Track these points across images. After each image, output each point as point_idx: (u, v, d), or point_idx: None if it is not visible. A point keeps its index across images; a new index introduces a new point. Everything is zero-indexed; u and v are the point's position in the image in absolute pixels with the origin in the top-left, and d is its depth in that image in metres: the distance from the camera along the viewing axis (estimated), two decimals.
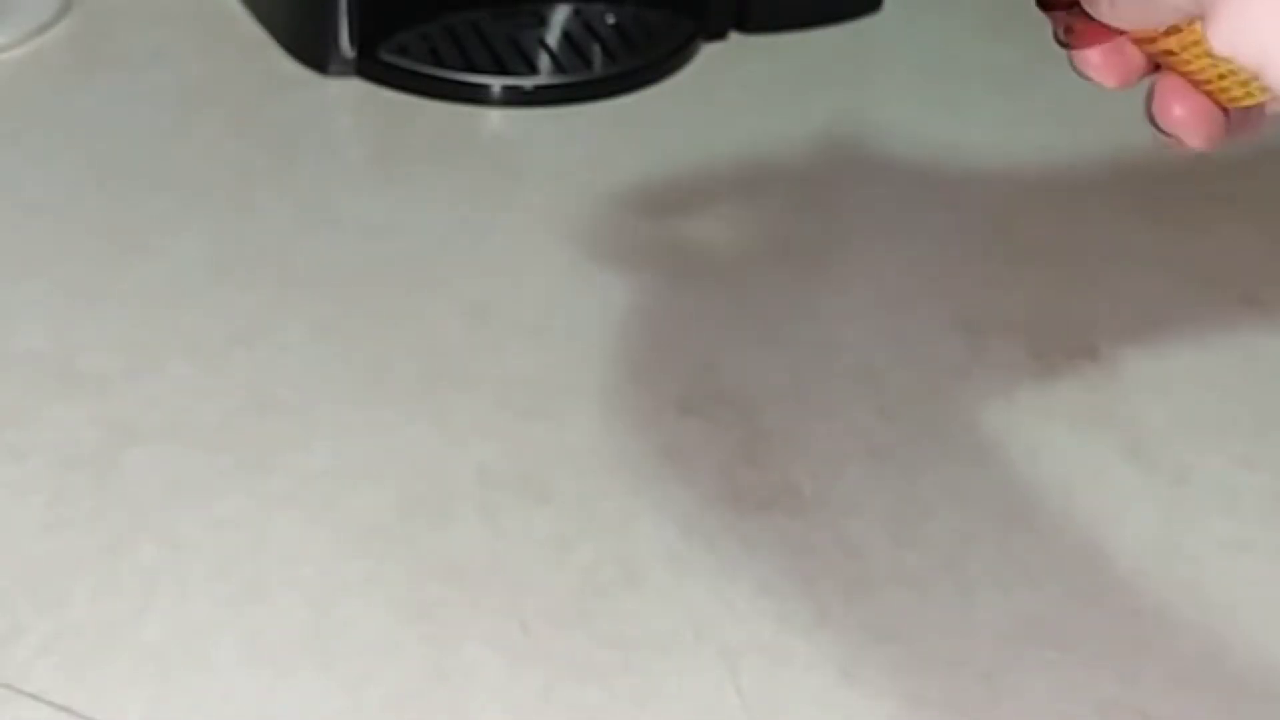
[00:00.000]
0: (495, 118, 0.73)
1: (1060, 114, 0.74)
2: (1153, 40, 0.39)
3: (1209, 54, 0.37)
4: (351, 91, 0.73)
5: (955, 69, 0.79)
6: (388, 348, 0.57)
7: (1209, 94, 0.40)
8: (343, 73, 0.74)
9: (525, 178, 0.69)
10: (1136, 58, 0.40)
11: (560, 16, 0.77)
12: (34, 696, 0.44)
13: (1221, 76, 0.39)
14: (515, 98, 0.73)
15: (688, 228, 0.63)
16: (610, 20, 0.77)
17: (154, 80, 0.73)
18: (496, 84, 0.73)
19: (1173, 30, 0.38)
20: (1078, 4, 0.39)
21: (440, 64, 0.73)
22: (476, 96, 0.73)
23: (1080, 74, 0.41)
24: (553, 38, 0.76)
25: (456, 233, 0.64)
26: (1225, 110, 0.40)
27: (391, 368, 0.57)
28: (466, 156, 0.69)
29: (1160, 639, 0.48)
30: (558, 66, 0.74)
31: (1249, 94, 0.39)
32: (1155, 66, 0.41)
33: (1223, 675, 0.47)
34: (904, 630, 0.48)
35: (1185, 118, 0.41)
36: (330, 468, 0.52)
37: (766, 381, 0.56)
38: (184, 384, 0.55)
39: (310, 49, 0.74)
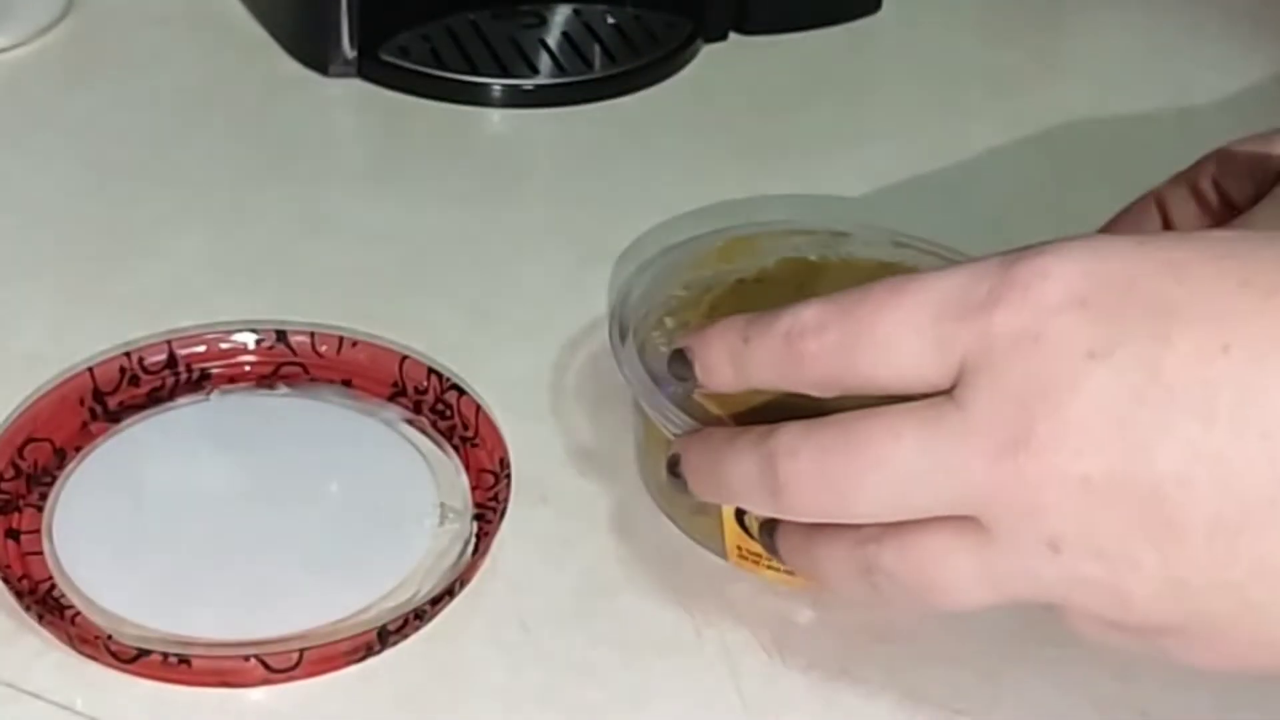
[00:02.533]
0: (495, 118, 0.73)
1: (1060, 114, 0.74)
2: None
3: None
4: (352, 92, 0.73)
5: (955, 69, 0.79)
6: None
7: None
8: (343, 73, 0.74)
9: (525, 178, 0.69)
10: None
11: (560, 17, 0.77)
12: (34, 695, 0.44)
13: None
14: (515, 98, 0.73)
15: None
16: (610, 21, 0.77)
17: (154, 81, 0.73)
18: (496, 84, 0.73)
19: None
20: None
21: (441, 65, 0.73)
22: (476, 97, 0.73)
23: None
24: (553, 38, 0.76)
25: (456, 233, 0.64)
26: None
27: None
28: (466, 156, 0.69)
29: None
30: (558, 67, 0.74)
31: None
32: None
33: (1222, 674, 0.47)
34: (904, 630, 0.48)
35: None
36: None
37: None
38: None
39: (311, 49, 0.74)
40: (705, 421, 0.47)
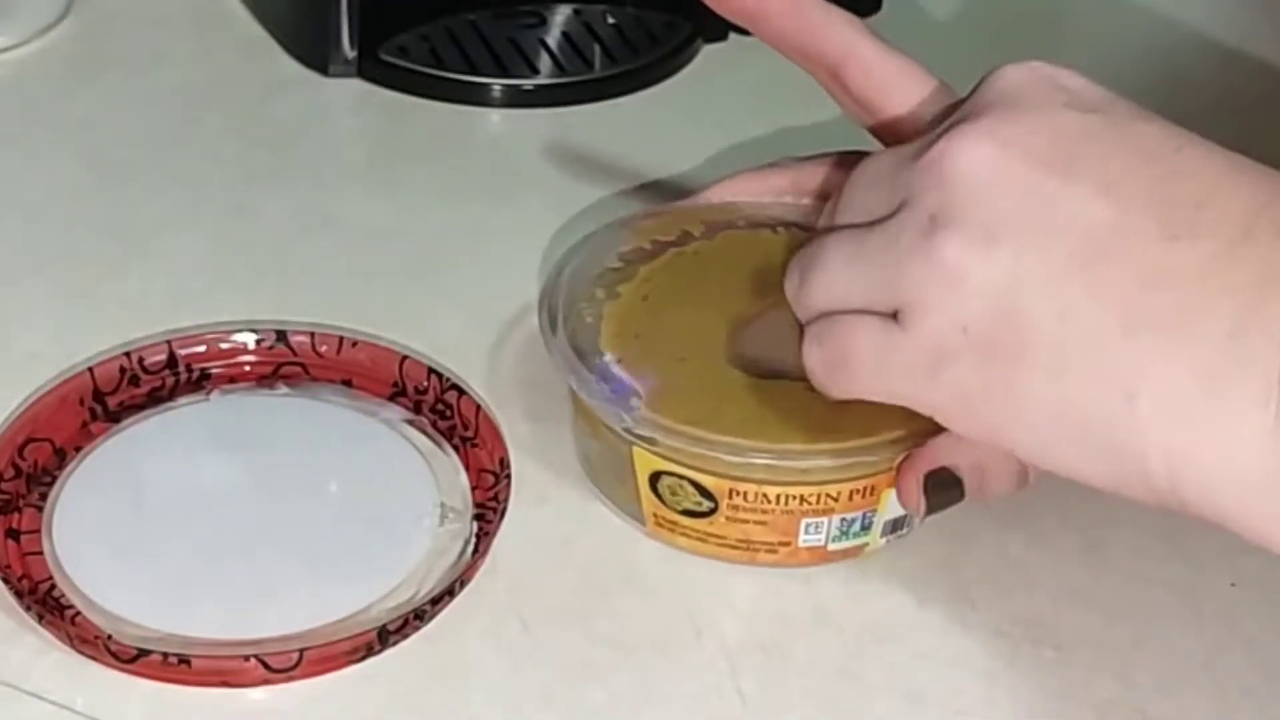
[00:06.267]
0: (495, 118, 0.73)
1: None
2: None
3: None
4: (352, 91, 0.73)
5: (955, 70, 0.79)
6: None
7: None
8: (343, 73, 0.74)
9: (525, 178, 0.69)
10: None
11: (560, 17, 0.77)
12: (34, 695, 0.44)
13: None
14: (515, 98, 0.73)
15: None
16: (610, 21, 0.77)
17: (155, 81, 0.73)
18: (496, 84, 0.73)
19: None
20: None
21: (440, 64, 0.73)
22: (476, 97, 0.73)
23: None
24: (553, 38, 0.76)
25: (457, 233, 0.64)
26: None
27: None
28: (467, 156, 0.70)
29: (1159, 638, 0.48)
30: (558, 67, 0.74)
31: None
32: None
33: (1221, 675, 0.47)
34: (903, 630, 0.48)
35: None
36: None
37: None
38: None
39: (311, 49, 0.74)
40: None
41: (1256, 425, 0.35)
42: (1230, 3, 0.85)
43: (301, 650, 0.44)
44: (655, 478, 0.48)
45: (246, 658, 0.44)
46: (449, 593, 0.47)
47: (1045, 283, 0.38)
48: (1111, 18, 0.84)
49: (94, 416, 0.53)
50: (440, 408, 0.53)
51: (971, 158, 0.39)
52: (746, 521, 0.48)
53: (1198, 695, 0.46)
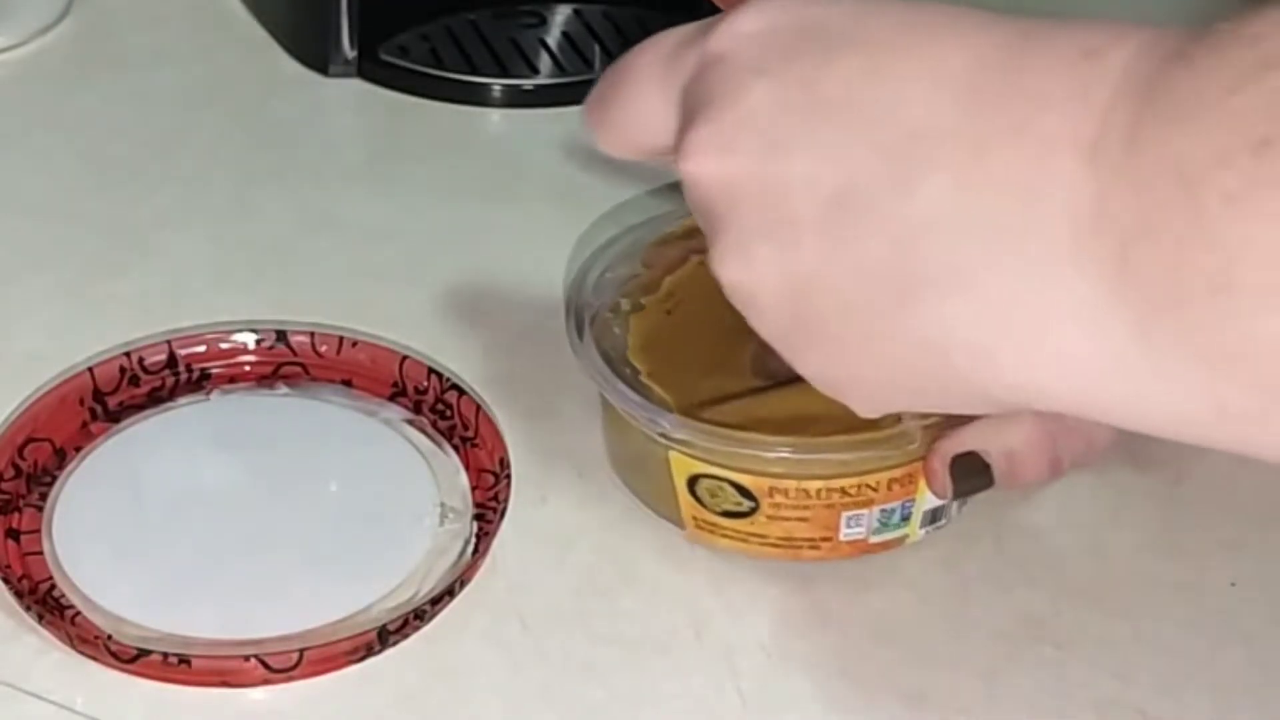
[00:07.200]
0: (495, 118, 0.73)
1: None
2: None
3: None
4: (351, 91, 0.73)
5: None
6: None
7: None
8: (343, 73, 0.74)
9: (525, 178, 0.69)
10: None
11: (560, 17, 0.77)
12: (34, 695, 0.44)
13: None
14: (515, 98, 0.73)
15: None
16: (610, 21, 0.77)
17: (154, 80, 0.73)
18: (496, 84, 0.73)
19: None
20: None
21: (440, 64, 0.73)
22: (476, 97, 0.73)
23: None
24: (553, 38, 0.76)
25: (457, 233, 0.64)
26: None
27: None
28: (466, 156, 0.70)
29: (1159, 637, 0.48)
30: (558, 67, 0.74)
31: None
32: None
33: (1221, 674, 0.47)
34: (903, 630, 0.48)
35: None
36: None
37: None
38: None
39: (311, 49, 0.74)
40: (657, 404, 0.48)
41: (1076, 339, 0.33)
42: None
43: (301, 650, 0.44)
44: (693, 481, 0.48)
45: (246, 658, 0.44)
46: (449, 593, 0.47)
47: (811, 275, 0.36)
48: (1112, 14, 0.84)
49: (94, 416, 0.53)
50: (440, 408, 0.53)
51: (701, 179, 0.38)
52: (788, 519, 0.48)
53: (1198, 694, 0.46)
